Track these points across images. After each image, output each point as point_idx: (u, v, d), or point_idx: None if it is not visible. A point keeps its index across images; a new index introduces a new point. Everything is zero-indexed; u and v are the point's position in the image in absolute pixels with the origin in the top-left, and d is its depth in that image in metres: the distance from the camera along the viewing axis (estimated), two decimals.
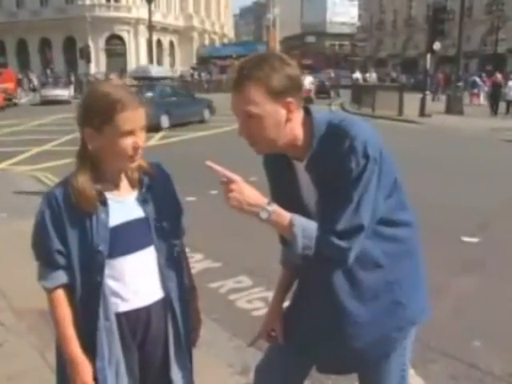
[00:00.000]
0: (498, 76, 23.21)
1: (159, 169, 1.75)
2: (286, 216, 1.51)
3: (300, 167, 1.59)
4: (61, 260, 1.58)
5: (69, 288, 1.60)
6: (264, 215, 1.49)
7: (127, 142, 1.54)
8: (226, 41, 70.54)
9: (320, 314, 1.69)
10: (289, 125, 1.51)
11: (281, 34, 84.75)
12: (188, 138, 13.85)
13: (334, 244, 1.49)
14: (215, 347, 3.11)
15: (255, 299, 4.08)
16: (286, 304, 1.91)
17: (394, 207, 1.59)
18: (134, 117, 1.53)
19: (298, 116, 1.54)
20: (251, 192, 1.49)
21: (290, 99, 1.48)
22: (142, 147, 1.57)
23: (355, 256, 1.52)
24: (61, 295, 1.60)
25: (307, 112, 1.57)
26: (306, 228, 1.50)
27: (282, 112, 1.49)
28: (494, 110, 21.36)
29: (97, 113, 1.53)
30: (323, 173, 1.52)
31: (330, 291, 1.62)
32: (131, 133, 1.54)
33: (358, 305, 1.61)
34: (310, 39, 76.27)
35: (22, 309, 3.72)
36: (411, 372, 3.02)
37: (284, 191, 1.65)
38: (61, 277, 1.59)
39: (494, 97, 21.71)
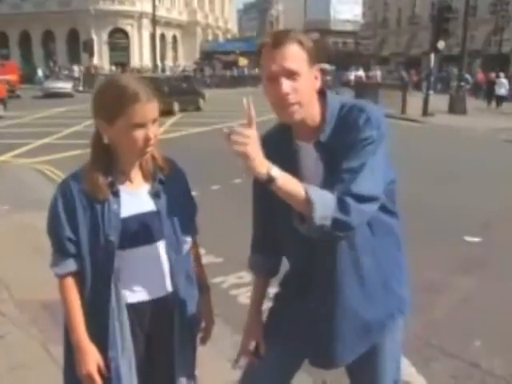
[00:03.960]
0: (491, 75, 27.02)
1: (174, 166, 1.75)
2: (297, 182, 1.41)
3: (305, 148, 1.58)
4: (72, 248, 1.59)
5: (79, 276, 1.61)
6: (275, 172, 1.36)
7: (138, 135, 1.53)
8: (229, 36, 70.24)
9: (318, 301, 1.66)
10: (315, 94, 1.55)
11: None
12: (188, 133, 13.84)
13: (357, 208, 1.41)
14: (216, 342, 3.08)
15: None
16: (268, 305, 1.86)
17: (391, 198, 1.63)
18: (145, 109, 1.53)
19: (316, 92, 1.58)
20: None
21: (317, 68, 1.54)
22: (153, 139, 1.56)
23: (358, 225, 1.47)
24: (70, 282, 1.61)
25: (321, 94, 1.59)
26: (320, 192, 1.41)
27: (314, 78, 1.53)
28: (489, 103, 24.75)
29: (108, 105, 1.53)
30: (336, 150, 1.51)
31: (331, 275, 1.61)
32: (142, 125, 1.53)
33: (358, 291, 1.62)
34: (314, 36, 76.18)
35: (23, 300, 3.73)
36: (413, 371, 3.03)
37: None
38: (71, 264, 1.61)
39: (488, 93, 25.48)
